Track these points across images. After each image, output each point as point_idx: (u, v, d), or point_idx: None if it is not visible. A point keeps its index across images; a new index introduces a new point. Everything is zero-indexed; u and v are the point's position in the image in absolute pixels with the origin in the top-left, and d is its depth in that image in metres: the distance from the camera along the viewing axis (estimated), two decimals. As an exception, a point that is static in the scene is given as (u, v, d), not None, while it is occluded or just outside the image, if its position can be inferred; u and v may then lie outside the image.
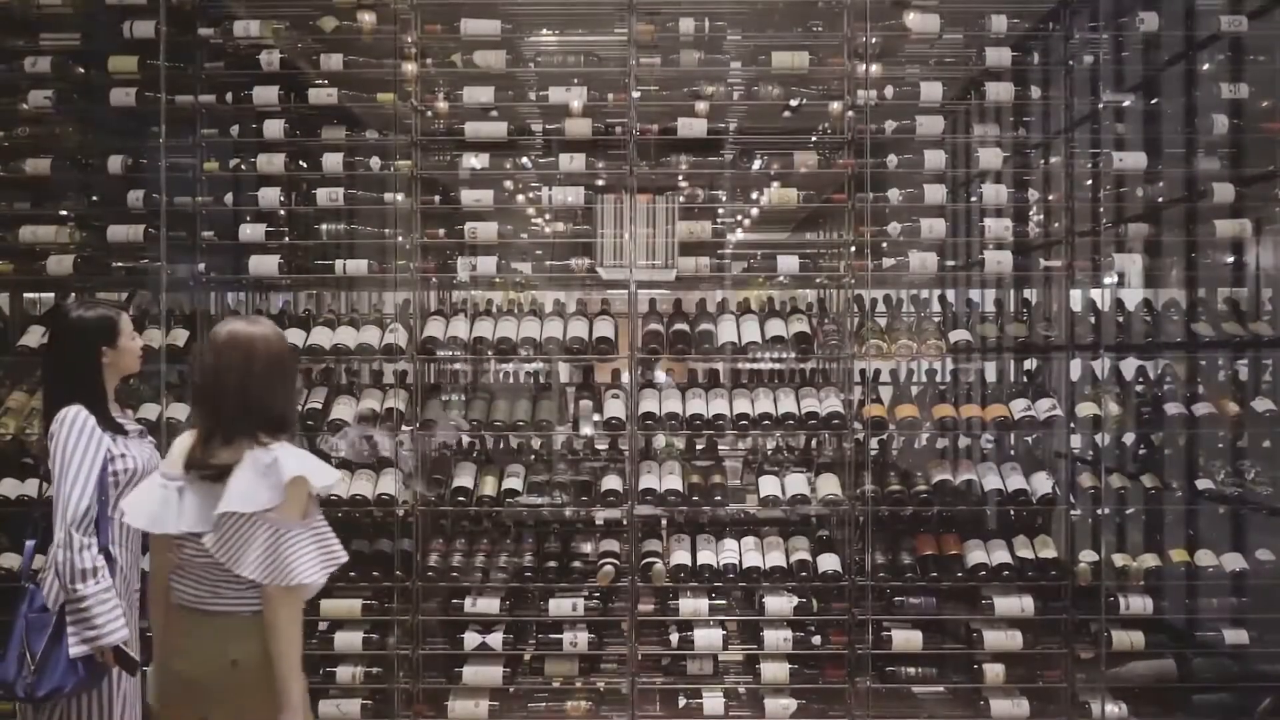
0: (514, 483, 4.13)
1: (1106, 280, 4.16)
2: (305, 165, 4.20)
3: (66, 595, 2.51)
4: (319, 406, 4.13)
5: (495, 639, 4.02)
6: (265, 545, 2.21)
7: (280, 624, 2.22)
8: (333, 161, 4.17)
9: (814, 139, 4.36)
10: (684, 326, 4.18)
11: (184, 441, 2.35)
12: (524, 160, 4.42)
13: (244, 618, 2.26)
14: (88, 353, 2.68)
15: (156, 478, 2.35)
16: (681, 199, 4.36)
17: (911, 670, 4.04)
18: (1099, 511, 4.06)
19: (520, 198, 4.73)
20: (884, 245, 4.21)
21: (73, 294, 4.60)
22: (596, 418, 4.17)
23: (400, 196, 4.20)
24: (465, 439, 4.51)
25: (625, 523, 4.17)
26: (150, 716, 2.47)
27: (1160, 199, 4.23)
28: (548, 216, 4.93)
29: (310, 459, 2.32)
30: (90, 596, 2.48)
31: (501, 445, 4.54)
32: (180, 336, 4.14)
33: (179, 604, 2.31)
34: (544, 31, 4.39)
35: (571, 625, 4.07)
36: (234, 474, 2.23)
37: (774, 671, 4.00)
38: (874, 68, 4.12)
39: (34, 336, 4.15)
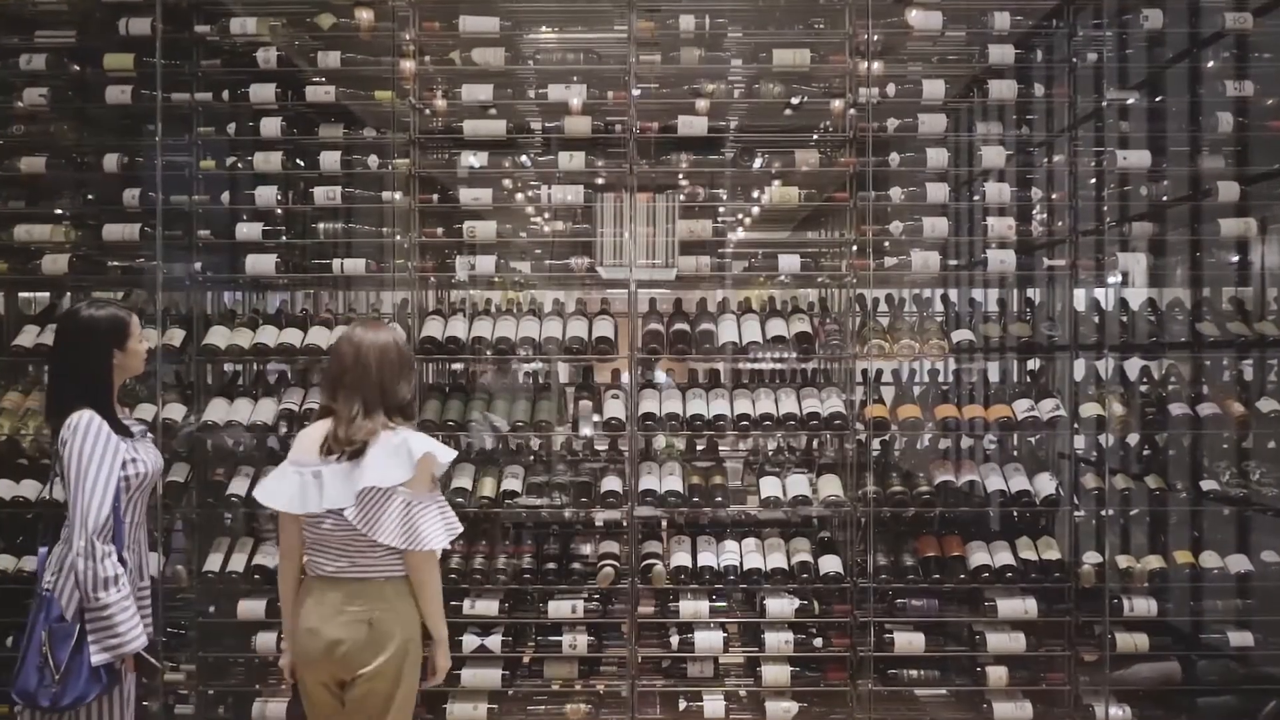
0: (513, 484, 4.10)
1: (1110, 280, 4.14)
2: (302, 164, 4.17)
3: (88, 604, 2.49)
4: (316, 407, 4.08)
5: (494, 641, 4.00)
6: (400, 516, 2.55)
7: (427, 580, 2.62)
8: (330, 160, 4.15)
9: (815, 137, 4.34)
10: (684, 326, 4.15)
11: (312, 434, 2.62)
12: (523, 158, 4.39)
13: (377, 583, 2.58)
14: (99, 354, 2.65)
15: (289, 467, 2.59)
16: (682, 198, 4.33)
17: (914, 673, 4.01)
18: (1103, 513, 4.03)
19: (519, 196, 4.70)
20: (886, 244, 4.19)
21: (68, 293, 4.58)
22: (596, 418, 4.14)
23: (398, 195, 4.17)
24: (464, 439, 4.47)
25: (625, 524, 4.14)
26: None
27: (1164, 198, 4.20)
28: (547, 215, 4.90)
29: (433, 440, 2.64)
30: (113, 605, 2.49)
31: (500, 446, 4.51)
32: (176, 336, 4.11)
33: (317, 575, 2.59)
34: (543, 29, 4.36)
35: (571, 627, 4.04)
36: (369, 454, 2.54)
37: (775, 674, 3.98)
38: (876, 65, 4.09)
39: (29, 336, 4.12)
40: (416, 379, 2.90)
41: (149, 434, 2.84)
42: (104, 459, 2.53)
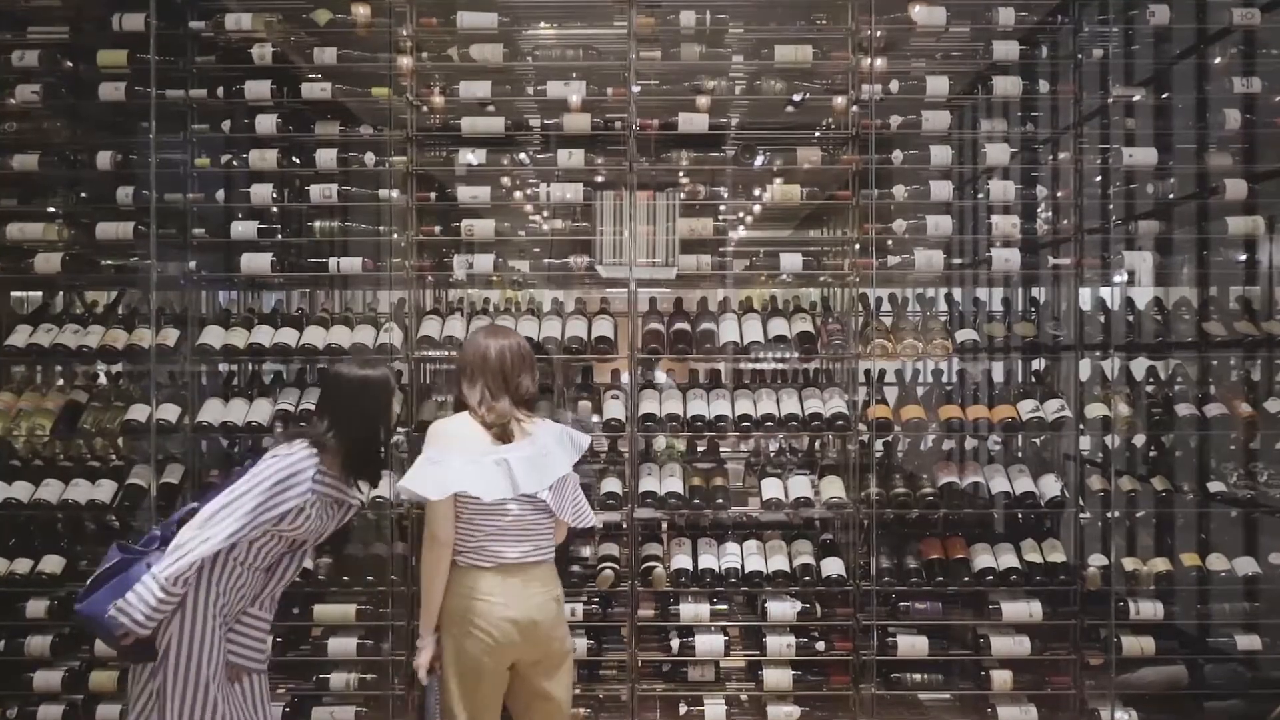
0: (511, 485, 4.05)
1: (1116, 278, 4.10)
2: (298, 161, 4.13)
3: (158, 574, 2.52)
4: (312, 408, 4.04)
5: (492, 645, 3.95)
6: (573, 496, 2.90)
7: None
8: (326, 157, 4.10)
9: (818, 134, 4.30)
10: (685, 326, 4.11)
11: (460, 427, 2.80)
12: (521, 156, 4.35)
13: (548, 564, 2.86)
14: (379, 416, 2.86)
15: (459, 458, 2.73)
16: (682, 196, 4.28)
17: (917, 676, 3.97)
18: (1108, 514, 3.99)
19: (518, 194, 4.66)
20: (889, 243, 4.14)
21: (60, 292, 4.54)
22: (595, 419, 4.10)
23: (395, 193, 4.13)
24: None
25: (625, 526, 4.10)
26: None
27: (1171, 195, 4.17)
28: (546, 214, 4.85)
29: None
30: (175, 597, 2.55)
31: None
32: (171, 336, 4.06)
33: (499, 564, 2.75)
34: (542, 25, 4.31)
35: (570, 630, 3.99)
36: (540, 442, 2.82)
37: (777, 678, 3.93)
38: (879, 62, 4.05)
39: (21, 336, 4.08)
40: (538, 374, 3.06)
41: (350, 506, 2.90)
42: (268, 501, 2.61)
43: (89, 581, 2.62)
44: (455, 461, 2.73)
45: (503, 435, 2.79)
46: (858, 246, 4.06)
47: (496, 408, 2.80)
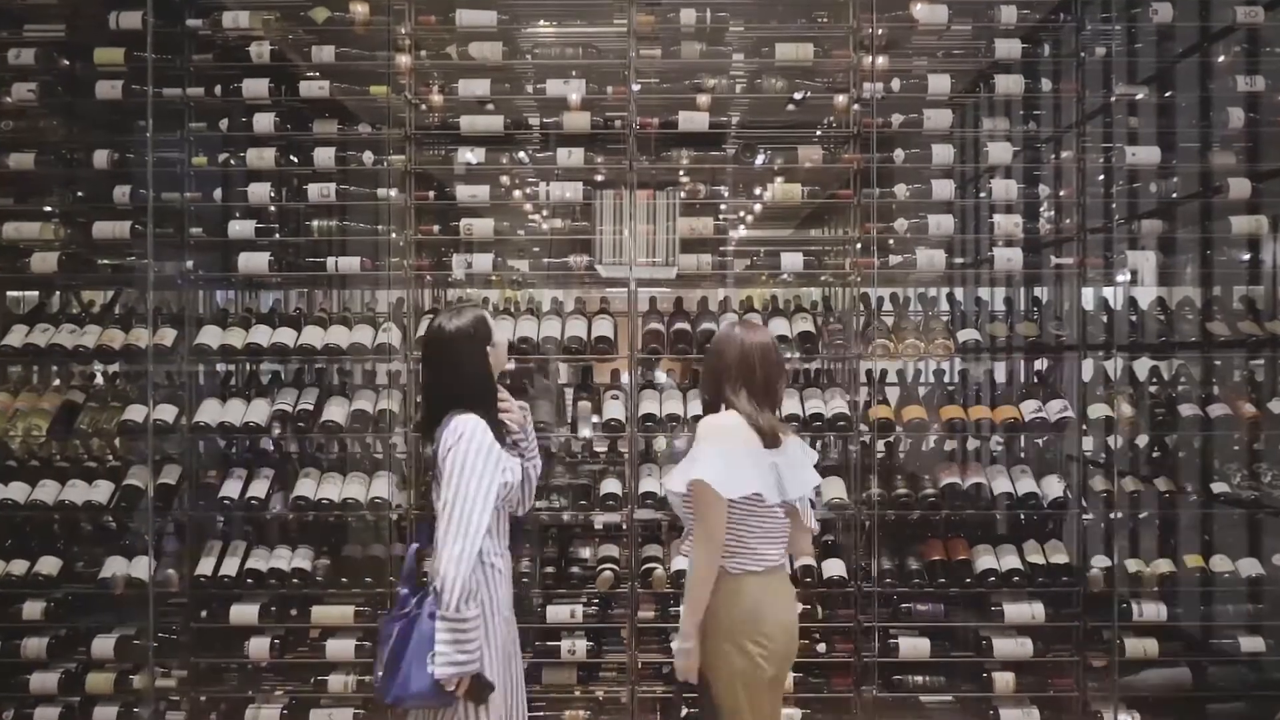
0: (511, 486, 4.02)
1: (1119, 278, 4.08)
2: (296, 160, 4.11)
3: (445, 614, 2.42)
4: (310, 408, 4.03)
5: (491, 647, 3.92)
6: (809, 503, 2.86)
7: None
8: (324, 156, 4.08)
9: (819, 133, 4.27)
10: (685, 325, 4.09)
11: (741, 426, 2.68)
12: (521, 155, 4.33)
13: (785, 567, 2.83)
14: (476, 359, 2.65)
15: (741, 454, 2.64)
16: (682, 195, 4.26)
17: (919, 679, 3.95)
18: (1111, 516, 3.96)
19: (517, 193, 4.64)
20: (890, 242, 4.11)
21: (57, 292, 4.51)
22: (595, 419, 4.08)
23: (394, 192, 4.10)
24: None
25: (625, 527, 4.08)
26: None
27: (1174, 194, 4.14)
28: (545, 213, 4.83)
29: None
30: (471, 620, 2.45)
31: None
32: (168, 336, 4.04)
33: (766, 567, 2.69)
34: (541, 23, 4.29)
35: (570, 632, 3.97)
36: (794, 450, 2.77)
37: (778, 680, 3.90)
38: (880, 60, 4.02)
39: (17, 336, 4.06)
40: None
41: (520, 443, 2.78)
42: (485, 470, 2.50)
43: (382, 672, 2.52)
44: (744, 459, 2.65)
45: (773, 438, 2.71)
46: (859, 246, 4.04)
47: (765, 411, 2.72)
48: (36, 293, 4.56)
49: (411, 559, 2.67)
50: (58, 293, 4.54)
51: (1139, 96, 4.15)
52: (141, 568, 3.94)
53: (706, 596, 2.65)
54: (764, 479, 2.65)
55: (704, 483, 2.60)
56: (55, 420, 4.05)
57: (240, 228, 4.09)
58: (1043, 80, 4.06)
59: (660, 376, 4.38)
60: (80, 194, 4.26)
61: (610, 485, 4.03)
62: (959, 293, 4.66)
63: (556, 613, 3.94)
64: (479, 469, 2.48)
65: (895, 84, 4.03)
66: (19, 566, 3.94)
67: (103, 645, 3.93)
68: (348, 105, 4.26)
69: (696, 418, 3.92)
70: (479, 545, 2.45)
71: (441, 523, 2.47)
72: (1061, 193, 4.11)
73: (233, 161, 4.08)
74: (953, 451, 4.29)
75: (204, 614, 3.97)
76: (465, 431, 2.51)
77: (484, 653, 2.50)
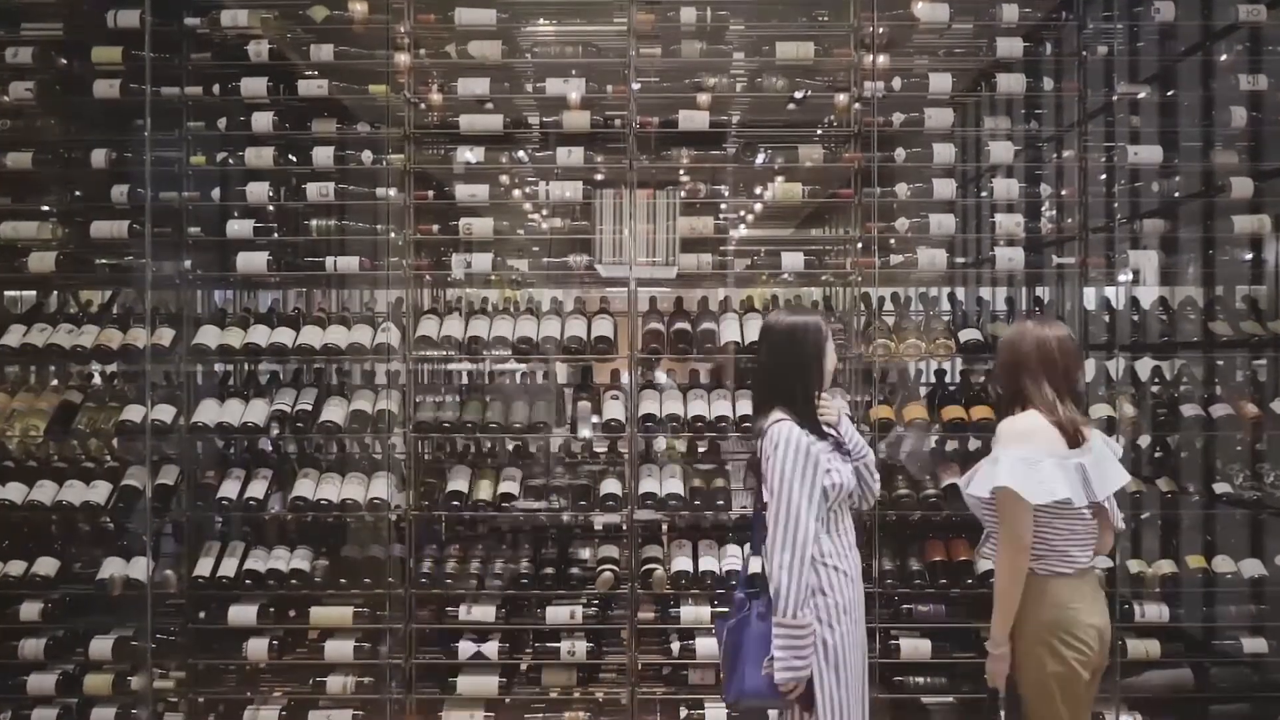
0: (510, 487, 4.01)
1: (1121, 278, 4.06)
2: (295, 159, 4.09)
3: (780, 621, 2.49)
4: (309, 408, 4.02)
5: (491, 648, 3.92)
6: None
7: None
8: (323, 155, 4.06)
9: (819, 132, 4.25)
10: (685, 325, 4.07)
11: (1044, 427, 2.64)
12: (520, 154, 4.31)
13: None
14: (805, 358, 2.69)
15: (1054, 462, 2.60)
16: (683, 194, 4.24)
17: (920, 680, 3.93)
18: (1113, 516, 3.94)
19: (516, 193, 4.62)
20: (891, 242, 4.10)
21: (55, 292, 4.50)
22: (595, 419, 4.06)
23: (393, 191, 4.09)
24: (460, 442, 4.39)
25: (625, 528, 4.06)
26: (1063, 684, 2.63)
27: (1176, 194, 4.12)
28: (545, 212, 4.81)
29: None
30: (807, 626, 2.50)
31: (497, 448, 4.42)
32: (166, 336, 4.02)
33: (1076, 570, 2.65)
34: (541, 21, 4.28)
35: (569, 634, 3.96)
36: (1098, 447, 2.71)
37: (778, 681, 3.89)
38: (881, 58, 4.01)
39: (15, 336, 4.04)
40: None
41: (843, 444, 2.76)
42: (805, 474, 2.53)
43: (723, 675, 2.68)
44: (1048, 463, 2.60)
45: (1076, 436, 2.66)
46: (860, 245, 4.02)
47: (1066, 408, 2.67)
48: (34, 292, 4.54)
49: (746, 563, 2.83)
50: (55, 292, 4.53)
51: (1141, 95, 4.13)
52: (139, 568, 3.92)
53: (1016, 602, 2.63)
54: (1071, 483, 2.60)
55: (1009, 490, 2.57)
56: (53, 420, 4.04)
57: (238, 227, 4.08)
58: (1044, 79, 4.04)
59: (660, 377, 4.36)
60: (78, 193, 4.24)
61: (610, 486, 4.01)
62: (960, 292, 4.64)
63: (556, 614, 3.93)
64: (798, 475, 2.53)
65: (896, 83, 4.01)
66: (16, 567, 3.93)
67: (100, 646, 3.92)
68: (347, 104, 4.24)
69: (697, 418, 3.94)
70: (809, 550, 2.50)
71: (770, 531, 2.54)
72: (1063, 192, 4.09)
73: (231, 161, 4.07)
74: (954, 451, 4.26)
75: (202, 615, 3.95)
76: (781, 440, 2.56)
77: (838, 657, 2.55)
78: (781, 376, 2.68)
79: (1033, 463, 2.59)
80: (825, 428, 2.71)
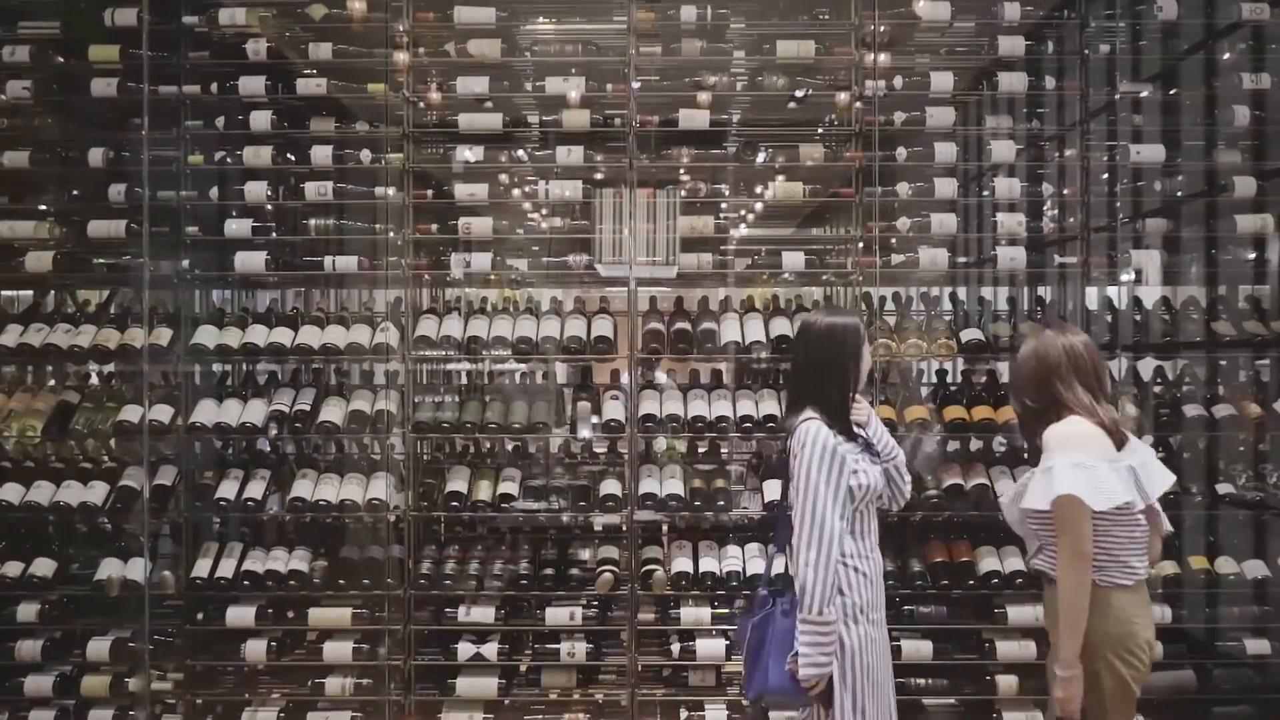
0: (509, 487, 4.00)
1: (1123, 277, 4.04)
2: (293, 158, 4.07)
3: (805, 618, 2.50)
4: (307, 408, 4.00)
5: (490, 649, 3.90)
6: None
7: None
8: (322, 154, 4.05)
9: (820, 131, 4.23)
10: (686, 325, 4.05)
11: (1093, 431, 2.57)
12: (520, 153, 4.29)
13: None
14: (840, 360, 2.70)
15: (1109, 465, 2.53)
16: (683, 193, 4.22)
17: (921, 681, 3.91)
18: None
19: (516, 192, 4.60)
20: (893, 241, 4.08)
21: (51, 291, 4.48)
22: (595, 420, 4.05)
23: (391, 191, 4.07)
24: (459, 442, 4.38)
25: (625, 528, 4.04)
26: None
27: (1179, 193, 4.10)
28: (544, 211, 4.79)
29: None
30: (832, 624, 2.52)
31: (496, 449, 4.40)
32: (163, 335, 4.01)
33: (1135, 581, 2.57)
34: (540, 20, 4.26)
35: (569, 635, 3.94)
36: (1140, 448, 2.66)
37: (779, 683, 3.87)
38: (883, 57, 3.99)
39: (11, 336, 4.03)
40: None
41: (872, 444, 2.76)
42: (832, 473, 2.54)
43: (744, 671, 2.73)
44: (1103, 468, 2.52)
45: (1120, 436, 2.62)
46: (861, 245, 4.00)
47: (1104, 409, 2.62)
48: (31, 292, 4.52)
49: (770, 561, 2.90)
50: (53, 292, 4.51)
51: (1143, 94, 4.11)
52: (137, 569, 3.91)
53: (1085, 618, 2.51)
54: (1127, 485, 2.53)
55: (1073, 497, 2.47)
56: (50, 421, 4.02)
57: (237, 227, 4.06)
58: (1046, 78, 4.02)
59: (660, 377, 4.35)
60: (75, 192, 4.23)
61: (610, 486, 3.99)
62: (962, 292, 4.62)
63: (556, 615, 3.91)
64: (824, 474, 2.53)
65: (898, 81, 3.99)
66: (13, 568, 3.91)
67: (98, 648, 3.90)
68: (345, 103, 4.22)
69: (697, 418, 3.92)
70: (835, 549, 2.51)
71: (796, 528, 2.55)
72: (1065, 191, 4.07)
73: (229, 160, 4.05)
74: (955, 452, 4.24)
75: (200, 616, 3.94)
76: (808, 439, 2.56)
77: (854, 656, 2.56)
78: (817, 376, 2.69)
79: (1089, 468, 2.50)
80: (855, 428, 2.71)
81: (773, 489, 3.93)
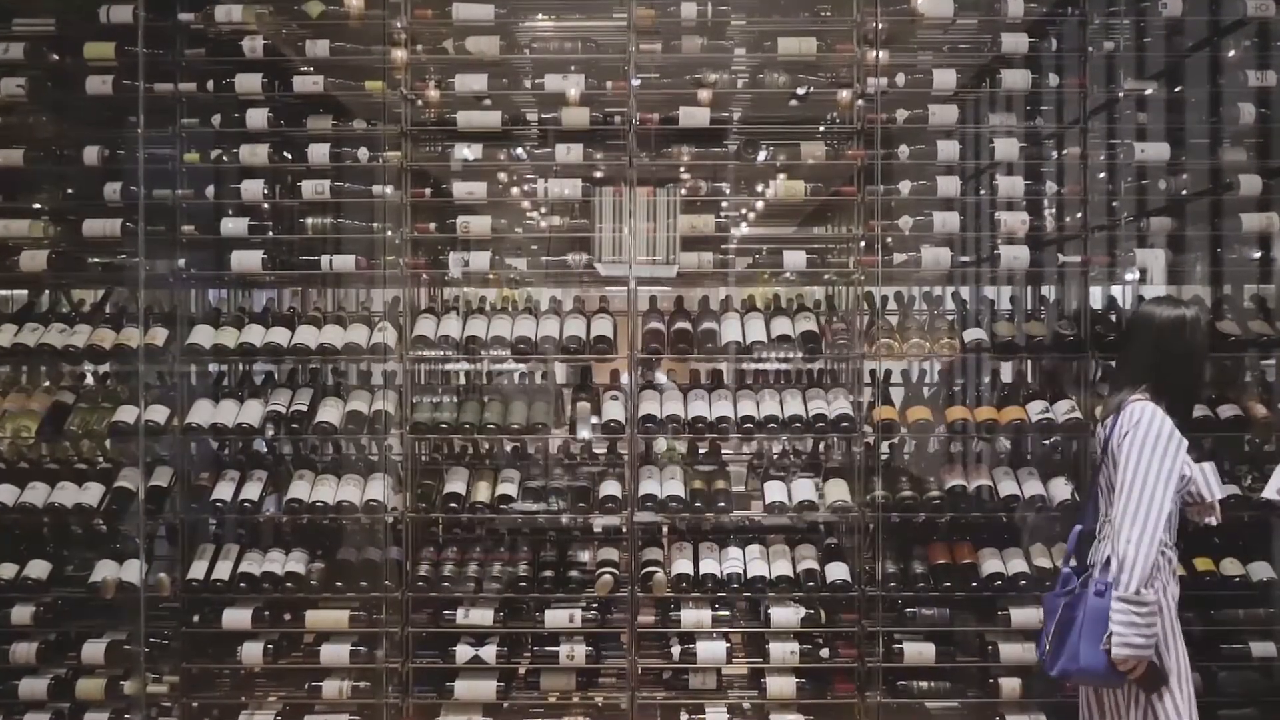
0: (508, 488, 3.97)
1: (1127, 276, 4.01)
2: (290, 156, 4.04)
3: (1122, 595, 2.52)
4: (304, 408, 3.96)
5: (488, 652, 3.87)
6: None
7: None
8: (319, 153, 4.01)
9: (822, 129, 4.19)
10: (686, 325, 4.02)
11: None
12: (519, 151, 4.25)
13: None
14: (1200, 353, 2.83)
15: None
16: (683, 192, 4.19)
17: (924, 684, 3.88)
18: (1120, 518, 3.88)
19: (515, 190, 4.56)
20: (894, 240, 4.05)
21: (46, 291, 4.45)
22: (595, 420, 4.01)
23: (389, 189, 4.04)
24: (457, 443, 4.34)
25: (625, 530, 4.01)
26: None
27: (1183, 191, 4.06)
28: (544, 210, 4.76)
29: None
30: (1151, 604, 2.54)
31: (495, 449, 4.37)
32: (159, 335, 3.97)
33: None
34: (539, 16, 4.23)
35: (568, 637, 3.91)
36: None
37: (780, 686, 3.85)
38: (884, 54, 3.95)
39: (6, 336, 3.99)
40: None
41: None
42: (1168, 454, 2.61)
43: (1048, 646, 2.76)
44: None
45: None
46: (863, 244, 3.97)
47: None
48: (25, 291, 4.49)
49: (1074, 539, 2.87)
50: (47, 291, 4.48)
51: (1147, 92, 4.08)
52: (132, 571, 3.88)
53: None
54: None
55: None
56: (44, 421, 3.99)
57: (233, 225, 4.03)
58: (1050, 75, 3.98)
59: (660, 377, 4.31)
60: (70, 191, 4.20)
61: (610, 487, 3.96)
62: (964, 291, 4.57)
63: (555, 617, 3.87)
64: (1161, 453, 2.58)
65: (899, 79, 3.97)
66: (8, 570, 3.87)
67: (93, 650, 3.86)
68: (342, 101, 4.19)
69: (698, 419, 3.88)
70: (1160, 529, 2.52)
71: (1119, 503, 2.55)
72: (1069, 189, 4.04)
73: (225, 158, 4.01)
74: (958, 453, 4.21)
75: (196, 618, 3.90)
76: (1144, 418, 2.62)
77: (1169, 643, 2.59)
78: (1163, 364, 2.75)
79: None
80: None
81: (775, 491, 3.90)
